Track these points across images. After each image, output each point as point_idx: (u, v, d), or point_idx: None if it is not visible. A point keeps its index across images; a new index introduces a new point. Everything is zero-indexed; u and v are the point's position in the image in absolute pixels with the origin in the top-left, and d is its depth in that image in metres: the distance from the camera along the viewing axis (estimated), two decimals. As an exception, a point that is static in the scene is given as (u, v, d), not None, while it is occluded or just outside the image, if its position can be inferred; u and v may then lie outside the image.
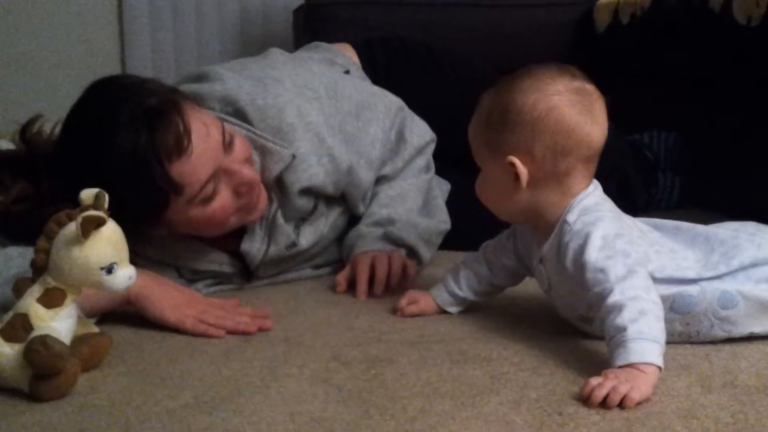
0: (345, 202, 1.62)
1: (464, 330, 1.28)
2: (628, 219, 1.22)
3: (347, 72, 1.78)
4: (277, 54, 1.71)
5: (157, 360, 1.19)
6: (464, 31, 2.44)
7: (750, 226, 1.27)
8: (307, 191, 1.53)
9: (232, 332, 1.29)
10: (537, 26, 2.55)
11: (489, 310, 1.35)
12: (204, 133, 1.34)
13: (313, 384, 1.09)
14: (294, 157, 1.49)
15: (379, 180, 1.67)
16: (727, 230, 1.24)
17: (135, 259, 1.18)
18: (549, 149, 1.15)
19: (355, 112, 1.61)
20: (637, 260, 1.13)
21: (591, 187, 1.19)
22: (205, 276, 1.50)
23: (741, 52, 1.96)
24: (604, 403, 1.00)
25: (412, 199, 1.65)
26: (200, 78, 1.57)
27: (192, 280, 1.48)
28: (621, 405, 0.99)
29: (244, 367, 1.15)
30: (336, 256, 1.66)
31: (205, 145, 1.34)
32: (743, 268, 1.18)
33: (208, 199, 1.37)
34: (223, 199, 1.39)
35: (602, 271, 1.11)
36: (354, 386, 1.08)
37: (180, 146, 1.31)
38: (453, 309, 1.35)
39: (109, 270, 1.11)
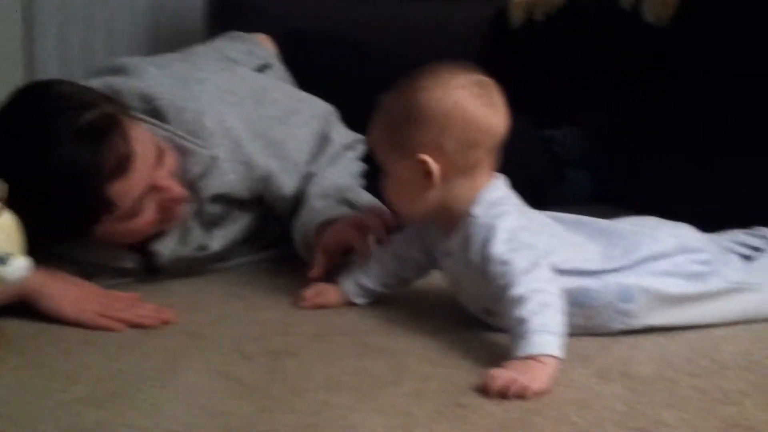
0: (262, 206, 1.59)
1: (370, 322, 1.27)
2: (532, 212, 1.23)
3: (267, 65, 1.75)
4: (207, 54, 1.68)
5: (52, 354, 1.16)
6: (380, 25, 2.44)
7: (650, 221, 1.30)
8: (219, 198, 1.51)
9: (132, 326, 1.26)
10: (452, 21, 2.56)
11: (395, 303, 1.34)
12: (141, 151, 1.33)
13: (213, 378, 1.08)
14: (213, 158, 1.46)
15: (306, 176, 1.61)
16: (628, 225, 1.27)
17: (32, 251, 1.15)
18: (459, 143, 1.16)
19: (282, 117, 1.58)
20: (540, 253, 1.14)
21: (495, 180, 1.20)
22: (106, 270, 1.47)
23: (651, 51, 2.00)
24: (505, 394, 1.00)
25: (345, 185, 1.62)
26: (119, 70, 1.52)
27: (92, 274, 1.45)
28: (521, 396, 1.00)
29: (141, 361, 1.13)
30: (246, 255, 1.63)
31: (142, 163, 1.33)
32: (643, 262, 1.20)
33: (133, 215, 1.36)
34: (148, 214, 1.38)
35: (506, 263, 1.12)
36: (255, 380, 1.07)
37: (121, 167, 1.30)
38: (360, 300, 1.34)
39: (2, 260, 1.07)
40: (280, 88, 1.67)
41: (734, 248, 1.36)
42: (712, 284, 1.22)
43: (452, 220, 1.20)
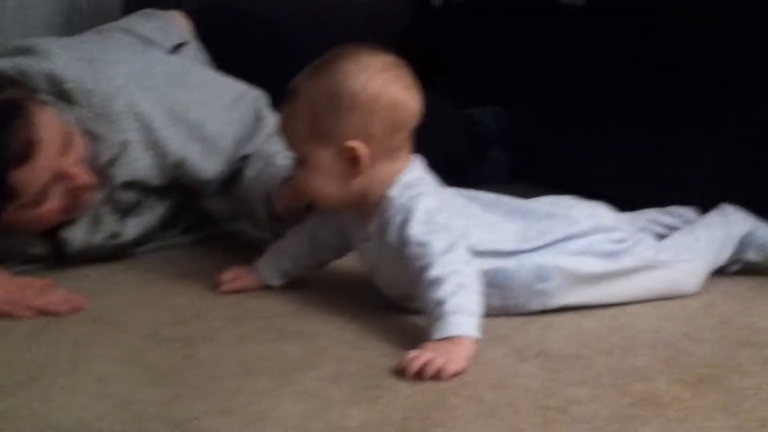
0: (181, 190, 1.56)
1: (286, 305, 1.26)
2: (449, 192, 1.23)
3: (182, 42, 1.72)
4: (120, 35, 1.64)
5: (-44, 343, 1.12)
6: (295, 2, 2.41)
7: (567, 200, 1.31)
8: (131, 185, 1.47)
9: (41, 313, 1.23)
10: (372, 1, 2.55)
11: (312, 286, 1.33)
12: (47, 137, 1.29)
13: (124, 364, 1.05)
14: (124, 144, 1.43)
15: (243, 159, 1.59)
16: (545, 205, 1.28)
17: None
18: (385, 127, 1.15)
19: (202, 100, 1.54)
20: (457, 234, 1.14)
21: (413, 162, 1.20)
22: (14, 256, 1.42)
23: (567, 31, 2.01)
24: (421, 376, 1.00)
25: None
26: (25, 51, 1.47)
27: (0, 260, 1.40)
28: (437, 377, 1.00)
29: (51, 349, 1.10)
30: (163, 240, 1.60)
31: (47, 150, 1.29)
32: (558, 242, 1.21)
33: (38, 203, 1.32)
34: (53, 202, 1.34)
35: (423, 245, 1.12)
36: (168, 366, 1.05)
37: (25, 154, 1.26)
38: (277, 283, 1.33)
39: None
40: (200, 72, 1.63)
41: (650, 227, 1.38)
42: (625, 262, 1.24)
43: (371, 204, 1.19)
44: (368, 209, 1.20)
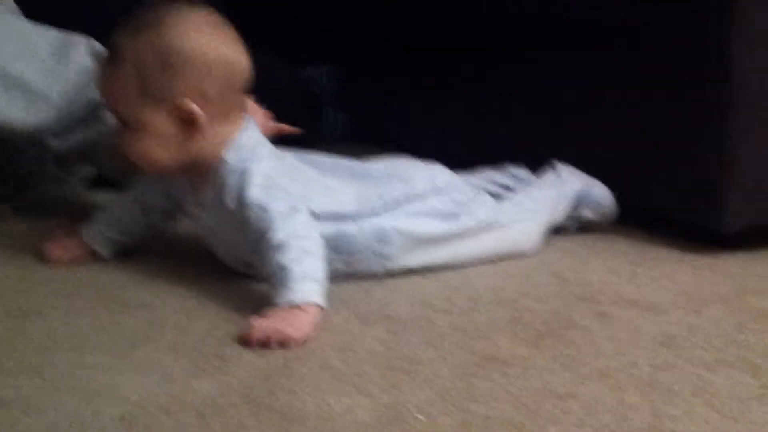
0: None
1: (120, 276, 1.21)
2: (286, 156, 1.21)
3: None
4: None
5: None
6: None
7: (404, 161, 1.32)
8: None
9: None
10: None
11: (147, 255, 1.29)
12: None
13: (-55, 344, 0.98)
14: None
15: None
16: (382, 166, 1.28)
17: None
18: (220, 86, 1.12)
19: (19, 52, 1.43)
20: (297, 198, 1.13)
21: (247, 123, 1.16)
22: None
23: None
24: (266, 345, 0.98)
25: None
26: None
27: None
28: (283, 345, 0.98)
29: None
30: None
31: None
32: (397, 204, 1.21)
33: None
34: None
35: (264, 209, 1.09)
36: (-6, 343, 0.99)
37: None
38: (106, 252, 1.27)
39: None
40: (12, 21, 1.53)
41: (487, 187, 1.40)
42: (464, 223, 1.25)
43: (203, 169, 1.15)
44: (201, 174, 1.16)
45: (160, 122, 1.12)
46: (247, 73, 1.15)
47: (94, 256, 1.27)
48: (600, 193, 1.42)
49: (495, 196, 1.38)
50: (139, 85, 1.11)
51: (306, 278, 1.04)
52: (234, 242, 1.17)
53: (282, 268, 1.05)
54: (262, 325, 0.99)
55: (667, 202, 1.42)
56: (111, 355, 0.96)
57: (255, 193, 1.11)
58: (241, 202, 1.11)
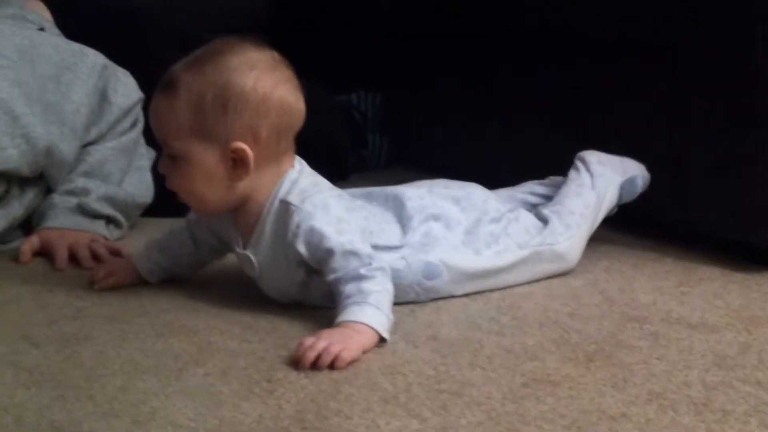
0: (43, 181, 1.49)
1: (169, 301, 1.22)
2: (344, 192, 1.20)
3: (41, 30, 1.64)
4: None
5: None
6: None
7: (441, 183, 1.31)
8: None
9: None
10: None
11: (195, 280, 1.29)
12: None
13: (0, 369, 0.99)
14: None
15: (85, 146, 1.54)
16: (420, 191, 1.26)
17: None
18: (274, 129, 1.11)
19: (55, 75, 1.47)
20: (364, 234, 1.14)
21: (297, 164, 1.16)
22: None
23: (440, 9, 2.02)
24: (316, 365, 0.98)
25: (114, 165, 1.55)
26: None
27: None
28: (333, 365, 0.98)
29: None
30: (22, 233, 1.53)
31: None
32: (441, 235, 1.21)
33: None
34: None
35: (351, 253, 1.09)
36: (46, 368, 1.00)
37: None
38: (154, 280, 1.28)
39: None
40: (48, 41, 1.54)
41: (527, 199, 1.38)
42: (509, 257, 1.24)
43: (253, 209, 1.15)
44: (250, 213, 1.15)
45: (210, 160, 1.11)
46: (302, 117, 1.14)
47: (140, 281, 1.28)
48: (637, 179, 1.39)
49: (537, 206, 1.36)
50: (194, 121, 1.10)
51: (380, 308, 1.05)
52: (284, 280, 1.16)
53: (363, 292, 1.06)
54: (314, 345, 0.99)
55: (716, 222, 1.41)
56: (161, 379, 0.97)
57: (326, 230, 1.10)
58: (312, 244, 1.10)
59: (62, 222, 1.45)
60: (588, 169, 1.38)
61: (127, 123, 1.59)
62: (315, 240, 1.10)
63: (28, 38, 1.50)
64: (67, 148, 1.47)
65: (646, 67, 1.52)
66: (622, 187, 1.38)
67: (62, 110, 1.47)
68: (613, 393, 0.93)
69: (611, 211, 1.39)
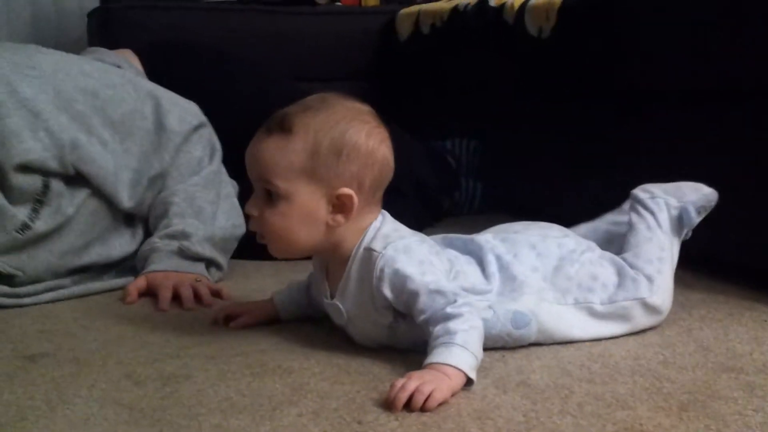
0: (92, 186, 1.54)
1: (265, 342, 1.25)
2: (427, 239, 1.22)
3: (117, 67, 1.71)
4: (7, 42, 1.64)
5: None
6: (266, 37, 2.42)
7: (518, 226, 1.31)
8: (25, 168, 1.45)
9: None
10: (341, 34, 2.57)
11: (291, 323, 1.33)
12: None
13: (103, 405, 1.04)
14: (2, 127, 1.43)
15: (155, 181, 1.60)
16: (497, 243, 1.26)
17: None
18: (375, 181, 1.16)
19: (92, 89, 1.54)
20: (453, 275, 1.17)
21: (380, 215, 1.19)
22: None
23: (534, 62, 2.04)
24: (409, 405, 0.99)
25: (203, 200, 1.60)
26: None
27: None
28: (424, 407, 0.99)
29: (29, 390, 1.08)
30: (118, 252, 1.60)
31: None
32: (524, 283, 1.21)
33: None
34: None
35: (437, 292, 1.11)
36: (147, 405, 1.04)
37: None
38: (288, 318, 1.34)
39: None
40: (95, 65, 1.62)
41: (611, 229, 1.36)
42: (599, 309, 1.23)
43: (341, 258, 1.18)
44: (336, 263, 1.19)
45: (311, 203, 1.15)
46: (393, 172, 1.19)
47: (269, 321, 1.34)
48: (696, 200, 1.33)
49: (622, 236, 1.33)
50: (308, 164, 1.14)
51: (468, 348, 1.06)
52: (372, 326, 1.18)
53: (450, 332, 1.07)
54: (406, 386, 1.01)
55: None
56: (255, 418, 0.99)
57: (410, 271, 1.12)
58: (395, 283, 1.13)
59: (166, 264, 1.51)
60: (646, 207, 1.33)
61: (198, 152, 1.63)
62: (399, 282, 1.12)
63: (73, 59, 1.59)
64: (101, 156, 1.53)
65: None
66: (682, 216, 1.33)
67: (91, 121, 1.52)
68: (707, 444, 0.91)
69: (686, 235, 1.35)
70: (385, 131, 1.17)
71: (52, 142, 1.46)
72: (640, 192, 1.36)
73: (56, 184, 1.49)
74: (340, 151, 1.14)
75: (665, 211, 1.33)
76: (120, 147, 1.56)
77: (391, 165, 1.18)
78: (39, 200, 1.48)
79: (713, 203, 1.35)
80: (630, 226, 1.33)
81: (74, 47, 2.16)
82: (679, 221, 1.32)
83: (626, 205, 1.37)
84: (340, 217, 1.15)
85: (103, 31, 2.32)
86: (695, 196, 1.34)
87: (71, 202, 1.52)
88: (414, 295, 1.11)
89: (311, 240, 1.17)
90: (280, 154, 1.15)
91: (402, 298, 1.13)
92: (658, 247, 1.29)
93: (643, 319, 1.26)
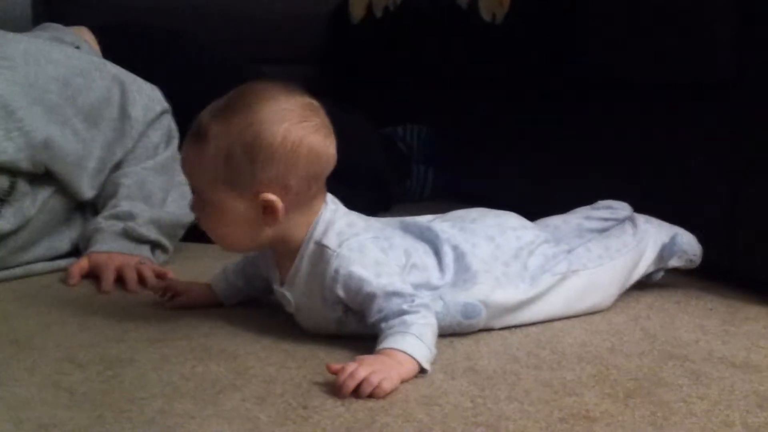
0: (59, 182, 1.51)
1: (209, 325, 1.23)
2: (380, 228, 1.19)
3: (77, 48, 1.67)
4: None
5: None
6: (217, 18, 2.40)
7: (475, 212, 1.29)
8: None
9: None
10: (293, 15, 2.55)
11: (237, 307, 1.31)
12: None
13: (42, 388, 1.01)
14: None
15: (115, 169, 1.58)
16: (455, 232, 1.24)
17: None
18: (303, 178, 1.11)
19: (63, 77, 1.50)
20: (409, 269, 1.15)
21: (331, 204, 1.16)
22: None
23: (487, 49, 2.03)
24: (356, 393, 0.98)
25: (154, 185, 1.58)
26: None
27: None
28: (372, 395, 0.98)
29: (-37, 373, 1.05)
30: (66, 245, 1.56)
31: None
32: (478, 272, 1.20)
33: None
34: None
35: (393, 293, 1.09)
36: (88, 389, 1.01)
37: None
38: (228, 302, 1.31)
39: None
40: (63, 49, 1.58)
41: (584, 224, 1.35)
42: (543, 283, 1.23)
43: (290, 249, 1.16)
44: (284, 254, 1.17)
45: (240, 207, 1.11)
46: (333, 160, 1.14)
47: (211, 304, 1.31)
48: (685, 241, 1.37)
49: (597, 231, 1.33)
50: (223, 171, 1.10)
51: (421, 340, 1.05)
52: (321, 317, 1.17)
53: (406, 324, 1.06)
54: (354, 373, 0.99)
55: (760, 262, 1.39)
56: (198, 402, 0.98)
57: (365, 274, 1.10)
58: (350, 285, 1.11)
59: (110, 246, 1.48)
60: (633, 223, 1.35)
61: (156, 138, 1.61)
62: (355, 285, 1.11)
63: (39, 45, 1.53)
64: (73, 148, 1.49)
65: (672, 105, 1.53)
66: (664, 247, 1.36)
67: (65, 112, 1.49)
68: (652, 431, 0.91)
69: (655, 273, 1.38)
70: (311, 123, 1.11)
71: (25, 142, 1.43)
72: (638, 215, 1.37)
73: (22, 185, 1.46)
74: (255, 156, 1.09)
75: (648, 237, 1.34)
76: (88, 135, 1.53)
77: (327, 154, 1.12)
78: (3, 200, 1.44)
79: (695, 262, 1.39)
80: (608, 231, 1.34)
81: (18, 25, 2.12)
82: (662, 249, 1.35)
83: (620, 213, 1.37)
84: (269, 220, 1.12)
85: (48, 9, 2.27)
86: (687, 237, 1.38)
87: (34, 203, 1.49)
88: (370, 297, 1.10)
89: (253, 240, 1.14)
90: (198, 162, 1.13)
91: (357, 299, 1.11)
92: (621, 243, 1.31)
93: (582, 295, 1.26)
